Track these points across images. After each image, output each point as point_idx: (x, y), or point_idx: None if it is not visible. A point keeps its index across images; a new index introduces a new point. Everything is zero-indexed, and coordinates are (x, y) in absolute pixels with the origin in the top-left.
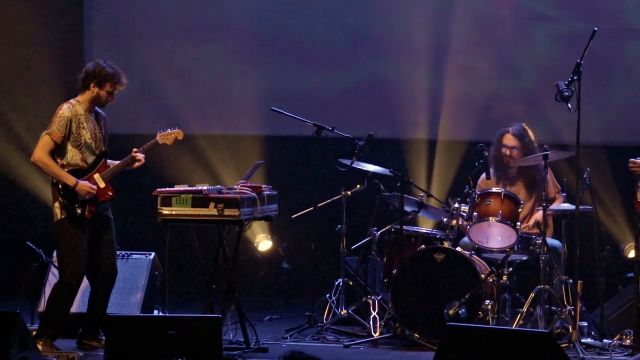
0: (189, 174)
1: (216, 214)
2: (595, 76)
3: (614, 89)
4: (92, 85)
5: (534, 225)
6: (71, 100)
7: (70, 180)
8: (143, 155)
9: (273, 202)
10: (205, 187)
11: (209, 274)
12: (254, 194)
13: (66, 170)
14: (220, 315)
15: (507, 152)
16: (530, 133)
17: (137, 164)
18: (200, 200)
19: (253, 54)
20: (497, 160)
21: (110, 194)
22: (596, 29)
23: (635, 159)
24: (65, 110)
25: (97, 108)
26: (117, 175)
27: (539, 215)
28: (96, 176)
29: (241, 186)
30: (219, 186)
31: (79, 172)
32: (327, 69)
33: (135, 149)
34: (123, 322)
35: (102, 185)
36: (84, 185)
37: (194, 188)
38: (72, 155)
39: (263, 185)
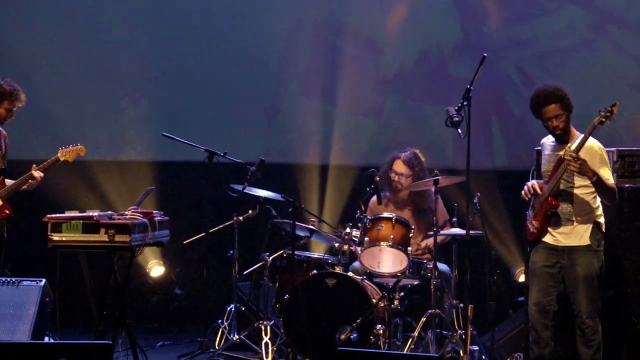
0: (80, 200)
1: (107, 240)
2: (484, 101)
3: (503, 113)
4: None
5: (426, 251)
6: None
7: None
8: (40, 174)
9: (165, 228)
10: (96, 213)
11: (100, 300)
12: (145, 220)
13: None
14: (111, 342)
15: (396, 178)
16: (422, 159)
17: (32, 182)
18: (90, 226)
19: (144, 79)
20: (386, 184)
21: (7, 212)
22: (485, 54)
23: (530, 184)
24: None
25: None
26: (15, 193)
27: (429, 241)
28: None
29: (132, 212)
30: (110, 212)
31: None
32: (219, 94)
33: (34, 166)
34: (13, 349)
35: None
36: None
37: (85, 214)
38: None
39: (154, 211)
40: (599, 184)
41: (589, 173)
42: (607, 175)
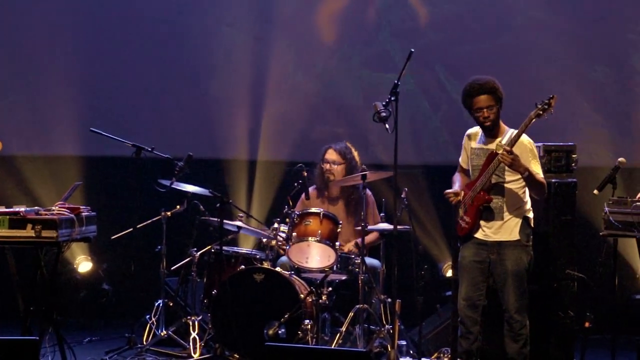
0: (7, 195)
1: (34, 235)
2: (411, 96)
3: (430, 108)
4: None
5: (354, 246)
6: None
7: None
8: None
9: (92, 223)
10: (22, 209)
11: (27, 296)
12: (72, 215)
13: None
14: (37, 338)
15: (327, 167)
16: (354, 152)
17: None
18: (17, 221)
19: (72, 73)
20: (320, 177)
21: None
22: (412, 50)
23: (449, 191)
24: None
25: None
26: None
27: (358, 240)
28: None
29: (59, 207)
30: (36, 207)
31: None
32: (146, 89)
33: None
34: None
35: None
36: None
37: (11, 209)
38: None
39: (82, 207)
40: (530, 179)
41: (521, 169)
42: (538, 169)
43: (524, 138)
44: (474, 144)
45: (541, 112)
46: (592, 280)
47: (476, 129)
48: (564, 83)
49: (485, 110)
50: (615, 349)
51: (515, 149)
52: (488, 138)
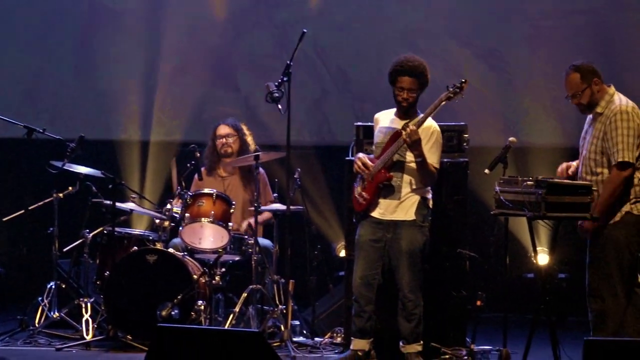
0: None
1: None
2: (305, 77)
3: (323, 89)
4: None
5: (248, 227)
6: None
7: None
8: None
9: None
10: None
11: None
12: None
13: None
14: None
15: (224, 141)
16: (244, 126)
17: None
18: None
19: None
20: (213, 156)
21: None
22: (305, 30)
23: (362, 157)
24: None
25: None
26: None
27: (252, 220)
28: None
29: None
30: None
31: None
32: (37, 69)
33: None
34: None
35: None
36: None
37: None
38: None
39: None
40: (421, 165)
41: (416, 152)
42: (434, 159)
43: (433, 124)
44: (383, 124)
45: (452, 96)
46: (483, 259)
47: (385, 113)
48: (455, 62)
49: (406, 91)
50: (507, 327)
51: (420, 132)
52: (397, 119)
